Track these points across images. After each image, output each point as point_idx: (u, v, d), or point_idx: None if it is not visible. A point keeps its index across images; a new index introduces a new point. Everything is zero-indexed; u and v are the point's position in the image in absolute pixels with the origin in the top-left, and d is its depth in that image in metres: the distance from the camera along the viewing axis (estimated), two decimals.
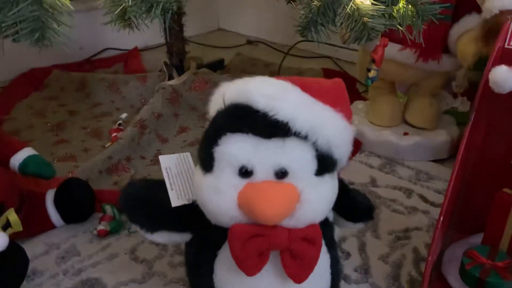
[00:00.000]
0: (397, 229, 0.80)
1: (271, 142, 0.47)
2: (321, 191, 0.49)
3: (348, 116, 0.51)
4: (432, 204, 0.87)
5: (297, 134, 0.47)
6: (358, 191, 0.62)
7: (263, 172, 0.47)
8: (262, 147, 0.47)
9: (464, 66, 0.94)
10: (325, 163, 0.48)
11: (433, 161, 1.01)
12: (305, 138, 0.47)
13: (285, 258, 0.49)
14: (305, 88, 0.49)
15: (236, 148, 0.47)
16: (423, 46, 0.93)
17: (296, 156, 0.47)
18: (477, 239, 0.69)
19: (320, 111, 0.48)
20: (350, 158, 1.06)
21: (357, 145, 1.05)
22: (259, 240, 0.47)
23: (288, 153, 0.47)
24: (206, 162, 0.49)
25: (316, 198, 0.48)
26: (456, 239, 0.73)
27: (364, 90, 1.30)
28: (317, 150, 0.48)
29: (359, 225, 0.60)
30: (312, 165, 0.48)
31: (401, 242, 0.78)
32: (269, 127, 0.46)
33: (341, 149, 0.50)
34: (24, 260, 0.67)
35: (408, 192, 0.90)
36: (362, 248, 0.76)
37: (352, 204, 0.58)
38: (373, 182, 0.94)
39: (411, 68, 0.98)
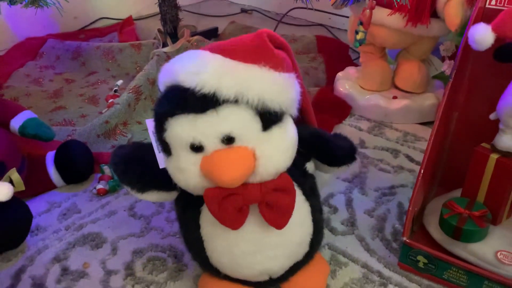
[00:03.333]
0: (383, 186, 0.84)
1: (207, 115, 0.48)
2: (273, 143, 0.51)
3: (278, 64, 0.51)
4: (418, 163, 0.90)
5: (227, 101, 0.48)
6: (339, 134, 0.63)
7: (211, 143, 0.49)
8: (201, 121, 0.49)
9: (452, 30, 0.95)
10: (266, 118, 0.50)
11: (420, 123, 1.04)
12: (236, 102, 0.48)
13: (262, 209, 0.52)
14: (226, 53, 0.50)
15: (179, 129, 0.49)
16: (412, 10, 0.96)
17: (234, 121, 0.49)
18: (458, 193, 0.73)
19: (243, 72, 0.49)
20: (340, 122, 1.09)
21: (347, 109, 1.08)
22: (233, 199, 0.50)
23: (225, 120, 0.49)
24: (164, 148, 0.52)
25: (271, 152, 0.50)
26: (440, 194, 0.76)
27: (356, 57, 1.32)
28: (253, 109, 0.49)
29: (344, 168, 0.61)
30: (254, 123, 0.49)
31: (387, 198, 0.81)
32: (199, 102, 0.48)
33: (278, 100, 0.50)
34: (28, 215, 0.71)
35: (395, 153, 0.94)
36: (349, 204, 0.80)
37: (332, 150, 0.59)
38: (362, 143, 0.97)
39: (400, 33, 1.00)
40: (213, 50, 0.51)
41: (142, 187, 0.58)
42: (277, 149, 0.51)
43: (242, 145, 0.50)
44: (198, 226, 0.56)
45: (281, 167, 0.52)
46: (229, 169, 0.48)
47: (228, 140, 0.49)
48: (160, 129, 0.51)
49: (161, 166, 0.56)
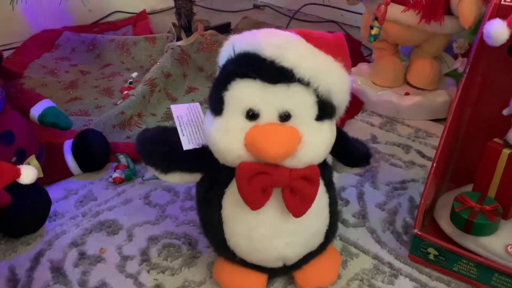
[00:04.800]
0: (395, 181, 0.85)
1: (277, 87, 0.51)
2: (320, 135, 0.53)
3: (347, 67, 0.54)
4: (429, 159, 0.91)
5: (300, 81, 0.50)
6: (357, 139, 0.66)
7: (268, 115, 0.51)
8: (268, 91, 0.51)
9: (466, 28, 0.96)
10: (325, 109, 0.53)
11: (432, 120, 1.05)
12: (307, 84, 0.51)
13: (286, 194, 0.53)
14: (309, 39, 0.52)
15: (244, 92, 0.51)
16: (426, 7, 0.96)
17: (299, 101, 0.51)
18: (469, 189, 0.73)
19: (322, 60, 0.52)
20: (353, 117, 1.11)
21: (359, 105, 1.09)
22: (263, 178, 0.52)
23: (291, 98, 0.51)
24: (217, 106, 0.53)
25: (316, 141, 0.53)
26: (450, 190, 0.77)
27: (368, 54, 1.33)
28: (318, 96, 0.52)
29: (356, 170, 0.64)
30: (313, 110, 0.52)
31: (398, 192, 0.82)
32: (275, 73, 0.50)
33: (340, 97, 0.54)
34: (47, 200, 0.73)
35: (407, 148, 0.95)
36: (360, 197, 0.81)
37: (350, 150, 0.62)
38: (374, 139, 0.98)
39: (413, 29, 1.01)
40: (297, 33, 0.53)
41: (166, 168, 0.59)
42: (322, 141, 0.54)
43: (295, 126, 0.51)
44: (220, 207, 0.57)
45: (318, 159, 0.54)
46: (277, 143, 0.50)
47: (286, 116, 0.51)
48: (222, 87, 0.52)
49: (185, 148, 0.58)
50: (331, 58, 0.52)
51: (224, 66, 0.54)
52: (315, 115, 0.52)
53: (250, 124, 0.52)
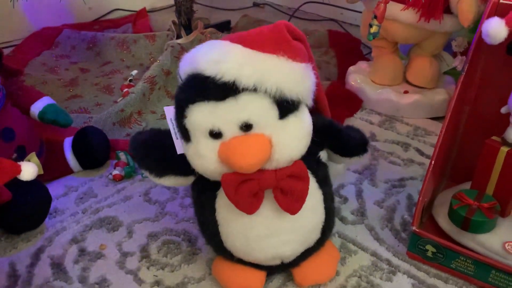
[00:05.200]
0: (393, 178, 0.85)
1: (226, 102, 0.50)
2: (289, 132, 0.52)
3: (294, 55, 0.52)
4: (428, 157, 0.91)
5: (246, 89, 0.50)
6: (352, 127, 0.64)
7: (230, 130, 0.51)
8: (220, 108, 0.50)
9: (465, 26, 0.96)
10: (283, 106, 0.51)
11: (431, 118, 1.05)
12: (255, 90, 0.50)
13: (277, 194, 0.54)
14: (246, 43, 0.52)
15: (199, 116, 0.51)
16: (425, 5, 0.96)
17: (252, 108, 0.51)
18: (467, 186, 0.74)
19: (262, 62, 0.51)
20: (352, 115, 1.11)
21: (358, 103, 1.09)
22: (249, 184, 0.52)
23: (244, 108, 0.50)
24: (184, 134, 0.54)
25: (287, 139, 0.52)
26: (449, 188, 0.78)
27: (367, 52, 1.33)
28: (270, 97, 0.51)
29: (355, 159, 0.63)
30: (272, 111, 0.51)
31: (396, 189, 0.83)
32: (219, 90, 0.50)
33: (295, 89, 0.52)
34: (47, 197, 0.73)
35: (406, 146, 0.95)
36: (359, 194, 0.82)
37: (344, 141, 0.61)
38: (373, 137, 0.99)
39: (413, 28, 1.01)
40: (233, 40, 0.52)
41: (160, 172, 0.60)
42: (293, 137, 0.53)
43: (260, 132, 0.51)
44: (213, 210, 0.58)
45: (296, 154, 0.54)
46: (247, 155, 0.50)
47: (246, 127, 0.51)
48: (180, 116, 0.53)
49: (178, 152, 0.58)
50: (272, 56, 0.51)
51: (176, 94, 0.54)
52: (276, 115, 0.52)
53: (218, 143, 0.52)
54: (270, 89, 0.50)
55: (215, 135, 0.51)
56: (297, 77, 0.52)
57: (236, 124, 0.51)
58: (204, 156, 0.53)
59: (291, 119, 0.53)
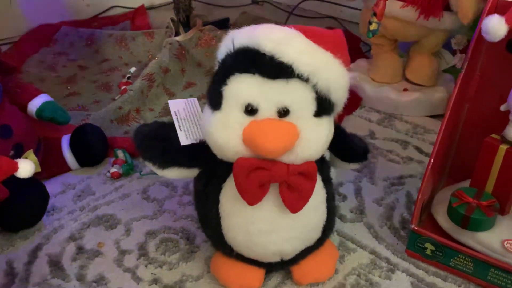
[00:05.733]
0: (392, 176, 0.85)
1: (276, 83, 0.51)
2: (318, 131, 0.53)
3: (346, 64, 0.54)
4: (427, 155, 0.91)
5: (299, 76, 0.50)
6: (355, 134, 0.66)
7: (267, 110, 0.51)
8: (267, 86, 0.51)
9: (464, 24, 0.96)
10: (323, 105, 0.53)
11: (430, 116, 1.05)
12: (306, 80, 0.51)
13: (283, 189, 0.53)
14: (308, 35, 0.52)
15: (243, 87, 0.51)
16: (425, 3, 0.96)
17: (297, 97, 0.51)
18: (466, 184, 0.74)
19: (321, 56, 0.52)
20: (351, 113, 1.11)
21: (358, 101, 1.09)
22: (260, 173, 0.52)
23: (290, 93, 0.51)
24: (215, 101, 0.53)
25: (314, 137, 0.53)
26: (448, 185, 0.77)
27: (367, 50, 1.33)
28: (316, 93, 0.52)
29: (354, 165, 0.64)
30: (312, 106, 0.52)
31: (395, 187, 0.83)
32: (274, 68, 0.50)
33: (338, 93, 0.54)
34: (45, 195, 0.73)
35: (405, 144, 0.95)
36: (358, 192, 0.81)
37: (348, 146, 0.62)
38: (372, 134, 0.98)
39: (412, 25, 1.00)
40: (296, 29, 0.53)
41: (164, 163, 0.59)
42: (320, 137, 0.54)
43: (293, 122, 0.52)
44: (217, 202, 0.57)
45: (316, 155, 0.54)
46: (275, 138, 0.50)
47: (284, 112, 0.51)
48: (220, 81, 0.52)
49: (182, 143, 0.58)
50: (330, 55, 0.52)
51: (223, 60, 0.54)
52: (313, 111, 0.52)
53: (249, 119, 0.51)
54: (321, 84, 0.51)
55: (251, 111, 0.51)
56: (344, 83, 0.54)
57: (276, 106, 0.51)
58: (230, 128, 0.52)
59: (324, 120, 0.53)
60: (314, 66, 0.51)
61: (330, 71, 0.52)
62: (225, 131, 0.52)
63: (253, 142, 0.51)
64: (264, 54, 0.50)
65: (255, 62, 0.50)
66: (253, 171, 0.52)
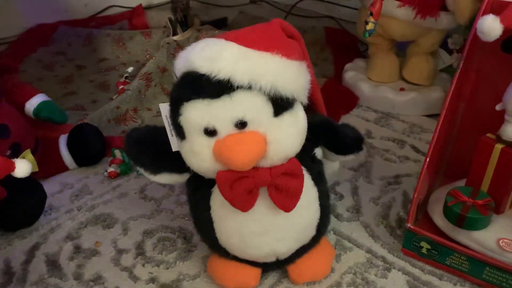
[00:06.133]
0: (389, 176, 0.85)
1: (221, 100, 0.50)
2: (283, 129, 0.52)
3: (289, 52, 0.52)
4: (423, 154, 0.92)
5: (240, 87, 0.50)
6: (347, 125, 0.64)
7: (225, 127, 0.51)
8: (215, 106, 0.50)
9: (461, 23, 0.96)
10: (278, 104, 0.51)
11: (427, 116, 1.05)
12: (249, 88, 0.50)
13: (271, 192, 0.53)
14: (240, 41, 0.51)
15: (193, 114, 0.51)
16: (421, 3, 0.96)
17: (247, 106, 0.50)
18: (463, 183, 0.74)
19: (256, 59, 0.51)
20: (348, 112, 1.11)
21: (355, 100, 1.09)
22: (244, 181, 0.52)
23: (239, 105, 0.50)
24: (178, 131, 0.54)
25: (281, 137, 0.52)
26: (445, 184, 0.78)
27: (364, 49, 1.33)
28: (265, 95, 0.51)
29: (350, 157, 0.63)
30: (266, 109, 0.51)
31: (392, 186, 0.83)
32: (214, 87, 0.49)
33: (290, 86, 0.52)
34: (42, 194, 0.73)
35: (401, 143, 0.95)
36: (354, 192, 0.82)
37: (339, 138, 0.61)
38: (368, 134, 0.99)
39: (409, 24, 1.01)
40: (227, 38, 0.52)
41: (155, 169, 0.59)
42: (288, 134, 0.53)
43: (254, 130, 0.51)
44: (208, 208, 0.58)
45: (291, 152, 0.54)
46: (241, 152, 0.50)
47: (241, 124, 0.51)
48: (175, 114, 0.53)
49: (174, 149, 0.58)
50: (266, 53, 0.51)
51: (171, 92, 0.54)
52: (271, 113, 0.51)
53: (213, 140, 0.51)
54: (264, 86, 0.50)
55: (210, 132, 0.51)
56: (291, 75, 0.52)
57: (231, 121, 0.51)
58: (199, 154, 0.53)
59: (286, 116, 0.53)
60: (251, 72, 0.50)
61: (270, 71, 0.51)
62: (196, 158, 0.53)
63: (224, 160, 0.51)
64: (202, 76, 0.50)
65: (196, 87, 0.50)
66: (237, 181, 0.52)
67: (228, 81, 0.49)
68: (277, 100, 0.51)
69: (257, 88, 0.50)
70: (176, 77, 0.54)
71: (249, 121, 0.51)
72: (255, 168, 0.52)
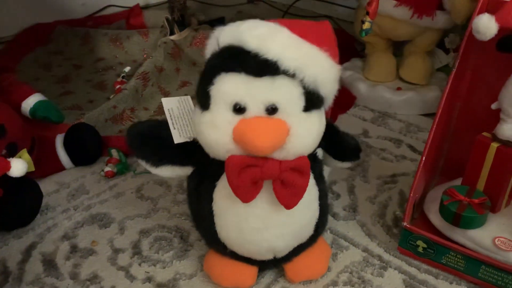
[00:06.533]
0: (385, 175, 0.86)
1: (262, 80, 0.50)
2: (308, 126, 0.53)
3: (334, 56, 0.53)
4: (420, 153, 0.91)
5: (285, 72, 0.50)
6: (347, 133, 0.65)
7: (255, 108, 0.51)
8: (254, 85, 0.50)
9: (458, 23, 0.97)
10: (312, 100, 0.52)
11: (424, 115, 1.05)
12: (293, 76, 0.50)
13: (276, 186, 0.53)
14: (293, 29, 0.52)
15: (229, 86, 0.51)
16: (418, 2, 0.97)
17: (285, 93, 0.51)
18: (459, 182, 0.74)
19: (306, 50, 0.51)
20: (345, 112, 1.11)
21: (352, 99, 1.09)
22: (253, 170, 0.52)
23: (277, 90, 0.50)
24: (204, 101, 0.53)
25: (304, 133, 0.52)
26: (442, 183, 0.78)
27: (362, 49, 1.33)
28: (304, 88, 0.51)
29: (346, 164, 0.64)
30: (300, 101, 0.52)
31: (388, 185, 0.83)
32: (259, 66, 0.50)
33: (327, 87, 0.53)
34: (38, 194, 0.73)
35: (398, 143, 0.95)
36: (351, 191, 0.82)
37: (340, 144, 0.62)
38: (365, 133, 0.99)
39: (406, 24, 1.01)
40: (281, 23, 0.52)
41: (157, 161, 0.59)
42: (310, 132, 0.53)
43: (282, 118, 0.51)
44: (210, 200, 0.57)
45: (307, 150, 0.54)
46: (264, 136, 0.50)
47: (273, 109, 0.51)
48: (206, 82, 0.52)
49: (175, 142, 0.58)
50: (317, 48, 0.52)
51: (209, 60, 0.54)
52: (302, 107, 0.52)
53: (238, 118, 0.51)
54: (307, 78, 0.51)
55: (239, 109, 0.51)
56: (332, 76, 0.54)
57: (264, 103, 0.50)
58: (220, 127, 0.52)
59: (314, 114, 0.53)
60: (300, 61, 0.50)
61: (316, 65, 0.51)
62: (214, 131, 0.52)
63: (243, 140, 0.50)
64: (249, 52, 0.50)
65: (240, 61, 0.50)
66: (245, 169, 0.52)
67: (275, 63, 0.49)
68: (312, 96, 0.52)
69: (300, 78, 0.50)
70: (218, 47, 0.52)
71: (281, 109, 0.51)
72: (266, 159, 0.52)
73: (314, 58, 0.52)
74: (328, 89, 0.54)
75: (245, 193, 0.53)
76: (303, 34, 0.52)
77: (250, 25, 0.51)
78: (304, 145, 0.53)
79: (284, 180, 0.53)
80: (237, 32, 0.51)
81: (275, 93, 0.50)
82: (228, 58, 0.51)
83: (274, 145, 0.51)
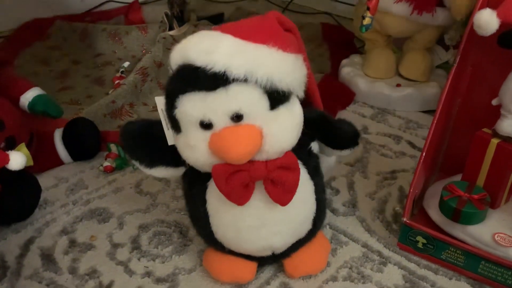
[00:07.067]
0: (385, 171, 0.85)
1: (217, 93, 0.50)
2: (279, 122, 0.52)
3: (286, 45, 0.52)
4: (420, 149, 0.92)
5: (236, 80, 0.49)
6: (343, 120, 0.64)
7: (220, 121, 0.51)
8: (211, 99, 0.50)
9: (458, 19, 0.96)
10: (274, 97, 0.51)
11: (423, 111, 1.05)
12: (245, 81, 0.50)
13: (267, 186, 0.53)
14: (237, 34, 0.51)
15: (189, 106, 0.51)
16: None
17: (243, 99, 0.50)
18: (458, 178, 0.74)
19: (253, 52, 0.50)
20: (344, 108, 1.11)
21: (351, 96, 1.09)
22: (240, 175, 0.52)
23: (235, 99, 0.50)
24: (174, 125, 0.54)
25: (277, 130, 0.52)
26: (441, 179, 0.78)
27: (361, 45, 1.33)
28: (261, 88, 0.50)
29: (346, 152, 0.63)
30: (263, 102, 0.51)
31: (388, 181, 0.83)
32: (210, 80, 0.49)
33: (286, 80, 0.51)
34: (37, 188, 0.73)
35: (397, 139, 0.95)
36: (350, 186, 0.82)
37: (335, 133, 0.61)
38: (365, 129, 0.99)
39: (406, 20, 1.01)
40: (224, 30, 0.52)
41: (151, 163, 0.59)
42: (283, 128, 0.53)
43: (250, 123, 0.51)
44: (204, 201, 0.58)
45: (287, 145, 0.54)
46: (237, 145, 0.50)
47: (237, 117, 0.50)
48: (170, 106, 0.52)
49: (169, 143, 0.58)
50: (263, 46, 0.51)
51: (167, 84, 0.54)
52: (267, 106, 0.51)
53: (208, 134, 0.51)
54: (260, 79, 0.50)
55: (206, 125, 0.51)
56: (287, 68, 0.52)
57: (227, 114, 0.50)
58: (195, 147, 0.52)
59: (282, 110, 0.52)
60: (248, 65, 0.49)
61: (267, 64, 0.50)
62: (192, 151, 0.53)
63: (220, 153, 0.51)
64: (197, 68, 0.49)
65: (192, 80, 0.50)
66: (232, 175, 0.52)
67: (224, 74, 0.49)
68: (273, 93, 0.51)
69: (253, 81, 0.50)
70: (172, 70, 0.53)
71: (245, 114, 0.51)
72: (251, 162, 0.52)
73: (262, 58, 0.50)
74: (290, 80, 0.52)
75: (238, 197, 0.54)
76: (247, 36, 0.51)
77: (194, 41, 0.51)
78: (281, 142, 0.53)
79: (273, 178, 0.53)
80: (184, 51, 0.51)
81: (233, 102, 0.50)
82: (181, 79, 0.51)
83: (250, 151, 0.51)
